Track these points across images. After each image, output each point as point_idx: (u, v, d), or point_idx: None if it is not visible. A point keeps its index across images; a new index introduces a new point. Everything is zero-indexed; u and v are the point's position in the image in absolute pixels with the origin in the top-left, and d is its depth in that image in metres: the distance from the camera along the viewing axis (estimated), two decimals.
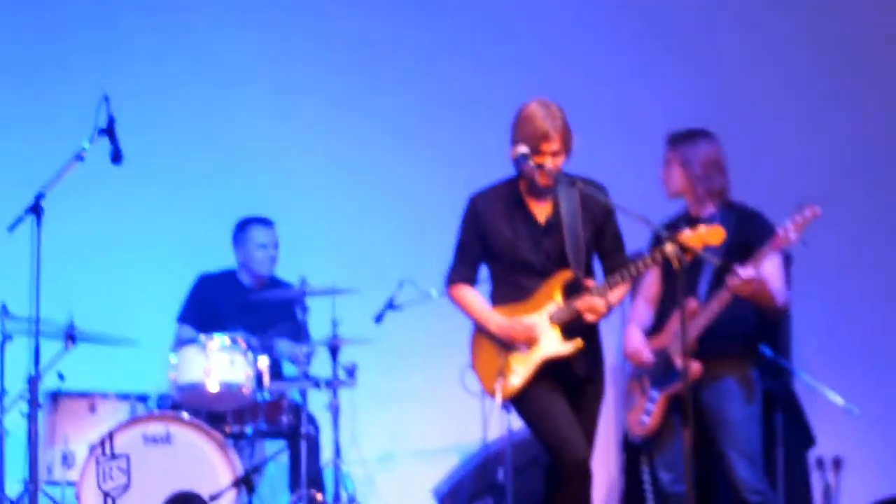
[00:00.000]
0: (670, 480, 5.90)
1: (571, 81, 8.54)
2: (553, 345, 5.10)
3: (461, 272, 5.31)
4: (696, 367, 5.53)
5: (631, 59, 8.88)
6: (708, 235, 5.18)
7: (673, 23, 8.94)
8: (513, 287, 5.27)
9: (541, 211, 5.25)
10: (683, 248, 4.95)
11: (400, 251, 7.56)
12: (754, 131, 8.29)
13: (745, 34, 8.92)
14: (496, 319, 5.18)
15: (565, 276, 5.12)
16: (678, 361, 5.66)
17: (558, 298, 5.12)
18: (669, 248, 4.96)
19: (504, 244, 5.22)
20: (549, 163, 5.05)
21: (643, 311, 6.10)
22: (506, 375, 5.13)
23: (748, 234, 5.83)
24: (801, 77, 8.87)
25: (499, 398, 5.17)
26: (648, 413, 5.91)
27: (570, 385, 5.15)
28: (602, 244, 5.28)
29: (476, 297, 5.35)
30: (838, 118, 8.67)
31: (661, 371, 5.84)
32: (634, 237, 5.79)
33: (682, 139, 6.01)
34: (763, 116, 8.64)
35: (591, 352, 5.21)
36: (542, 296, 5.20)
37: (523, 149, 5.05)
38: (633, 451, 6.61)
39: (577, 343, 5.09)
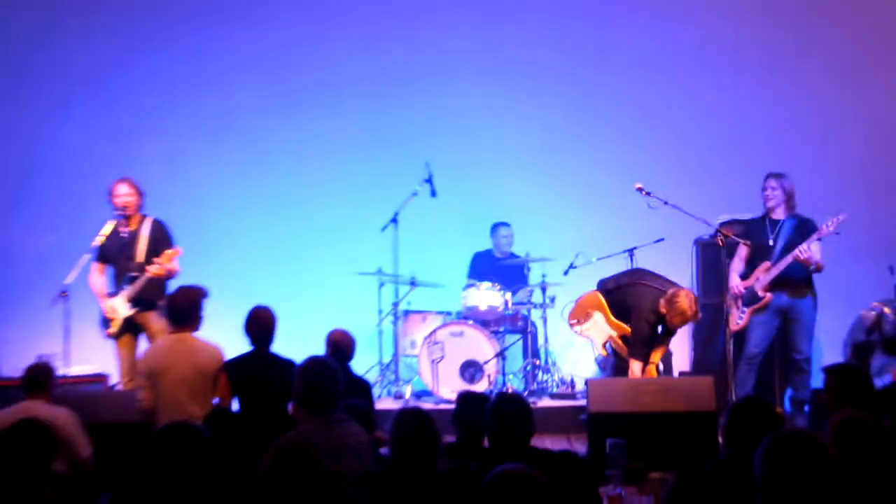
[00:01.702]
0: (754, 350, 8.66)
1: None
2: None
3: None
4: (768, 296, 8.57)
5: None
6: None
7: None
8: None
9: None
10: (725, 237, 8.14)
11: (576, 234, 10.04)
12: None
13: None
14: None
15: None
16: (760, 293, 8.63)
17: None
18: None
19: None
20: None
21: (738, 265, 8.79)
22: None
23: (805, 230, 8.55)
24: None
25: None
26: (741, 318, 8.65)
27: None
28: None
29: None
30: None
31: (748, 298, 8.70)
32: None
33: (777, 176, 8.72)
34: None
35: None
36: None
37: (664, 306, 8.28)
38: (720, 334, 8.90)
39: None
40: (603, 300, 8.76)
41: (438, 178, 10.18)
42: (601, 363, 9.88)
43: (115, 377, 8.95)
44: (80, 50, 10.98)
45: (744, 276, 8.84)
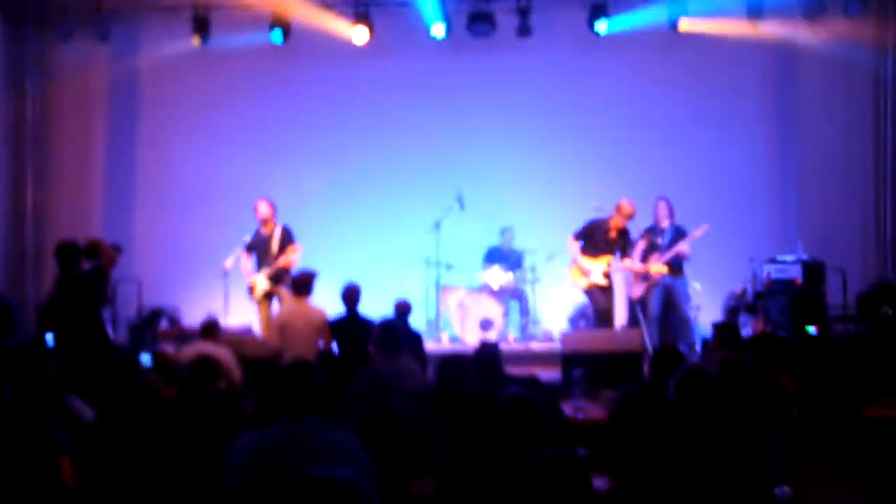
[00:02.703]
0: (654, 312, 8.74)
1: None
2: (598, 279, 8.48)
3: (577, 236, 8.54)
4: (658, 276, 8.64)
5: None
6: (660, 269, 8.52)
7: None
8: (592, 253, 8.55)
9: (612, 233, 8.48)
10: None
11: (556, 234, 9.24)
12: None
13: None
14: (582, 262, 8.48)
15: (610, 257, 8.48)
16: (653, 274, 8.65)
17: (605, 264, 8.47)
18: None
19: (596, 239, 8.51)
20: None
21: (639, 254, 8.75)
22: (580, 282, 8.60)
23: (681, 235, 8.75)
24: None
25: (578, 286, 8.61)
26: (640, 290, 8.75)
27: (601, 287, 8.52)
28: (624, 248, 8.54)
29: (576, 248, 8.55)
30: None
31: (644, 276, 8.75)
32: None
33: (666, 198, 8.84)
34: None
35: (610, 284, 8.54)
36: (601, 259, 8.52)
37: (613, 216, 8.39)
38: (632, 304, 8.98)
39: (606, 281, 8.45)
40: (574, 247, 8.67)
41: (466, 196, 10.00)
42: (573, 320, 9.90)
43: (256, 328, 8.98)
44: (235, 110, 10.82)
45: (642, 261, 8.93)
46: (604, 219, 8.62)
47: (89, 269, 6.49)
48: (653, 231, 8.94)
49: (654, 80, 10.28)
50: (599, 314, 8.61)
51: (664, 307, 8.83)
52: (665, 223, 8.91)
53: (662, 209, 8.92)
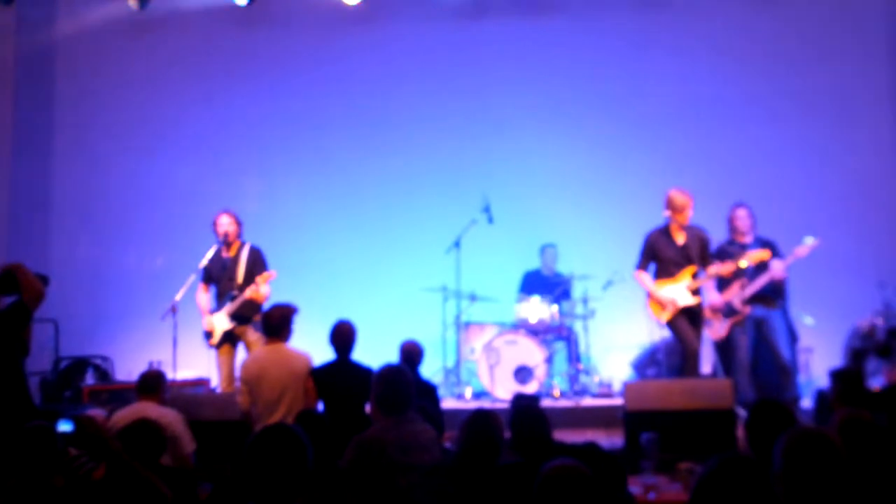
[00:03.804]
0: (744, 358, 8.63)
1: None
2: (686, 300, 8.35)
3: (642, 265, 8.51)
4: (747, 309, 8.59)
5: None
6: (761, 254, 8.35)
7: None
8: (667, 272, 8.45)
9: (678, 239, 8.39)
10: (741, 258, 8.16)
11: (614, 254, 9.74)
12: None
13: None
14: (658, 293, 8.35)
15: (692, 268, 8.35)
16: (738, 307, 8.64)
17: (689, 278, 8.34)
18: (741, 261, 8.23)
19: (663, 253, 8.42)
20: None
21: (713, 283, 8.73)
22: (663, 313, 8.44)
23: (773, 251, 8.64)
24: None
25: (661, 321, 8.51)
26: (722, 329, 8.71)
27: (690, 316, 8.38)
28: (704, 256, 8.41)
29: (648, 277, 8.52)
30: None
31: (727, 310, 8.73)
32: None
33: (745, 205, 8.80)
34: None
35: (700, 301, 8.40)
36: (680, 276, 8.38)
37: (668, 213, 8.38)
38: (715, 350, 8.97)
39: (697, 299, 8.34)
40: (646, 278, 8.64)
41: (494, 206, 10.12)
42: (639, 366, 9.96)
43: (215, 381, 8.99)
44: (186, 96, 11.04)
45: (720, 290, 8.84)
46: (661, 227, 8.62)
47: (5, 308, 6.34)
48: (729, 249, 8.79)
49: (741, 53, 10.46)
50: (687, 355, 8.47)
51: (757, 350, 8.83)
52: (747, 237, 8.89)
53: (743, 219, 8.89)
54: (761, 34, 10.46)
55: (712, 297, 8.76)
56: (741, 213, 8.90)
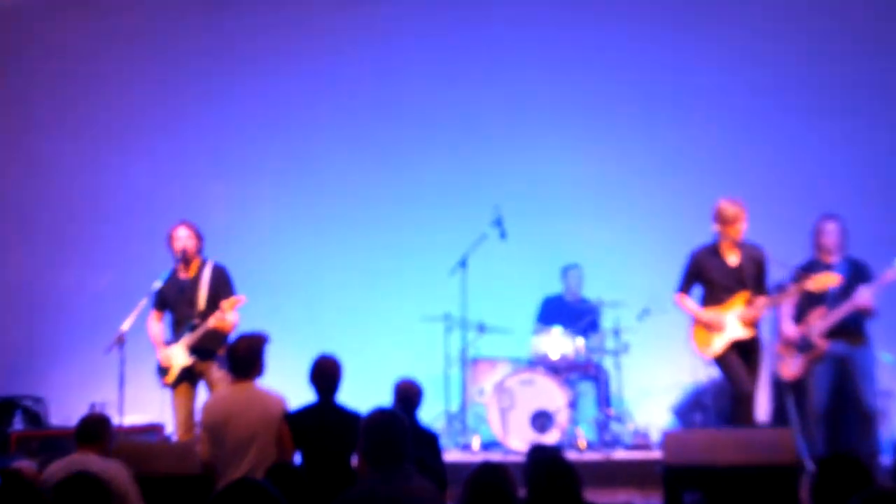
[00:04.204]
0: (818, 403, 8.55)
1: None
2: (738, 331, 8.25)
3: (683, 287, 8.45)
4: (825, 344, 8.51)
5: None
6: (828, 279, 8.20)
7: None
8: (715, 298, 8.39)
9: (730, 258, 8.33)
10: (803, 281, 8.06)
11: (651, 278, 9.92)
12: None
13: None
14: (705, 314, 8.28)
15: (745, 294, 8.27)
16: (816, 340, 8.57)
17: (742, 305, 8.22)
18: (808, 283, 8.11)
19: (712, 275, 8.36)
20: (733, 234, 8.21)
21: (788, 309, 8.69)
22: (710, 345, 8.28)
23: (860, 274, 8.62)
24: None
25: (709, 356, 8.35)
26: (795, 367, 8.63)
27: (744, 351, 8.22)
28: (759, 277, 8.37)
29: (692, 301, 8.44)
30: None
31: (803, 345, 8.63)
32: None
33: (836, 217, 8.74)
34: None
35: (756, 335, 8.29)
36: (731, 303, 8.28)
37: (717, 227, 8.31)
38: (780, 387, 9.12)
39: (751, 332, 8.19)
40: (689, 302, 8.56)
41: (508, 221, 10.23)
42: (682, 412, 10.00)
43: (170, 427, 8.93)
44: (143, 95, 11.16)
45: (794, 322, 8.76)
46: (709, 244, 8.55)
47: None
48: (811, 270, 8.67)
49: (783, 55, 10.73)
50: (739, 398, 8.36)
51: (835, 393, 8.73)
52: (834, 256, 8.79)
53: (831, 234, 8.80)
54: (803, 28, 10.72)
55: (787, 327, 8.70)
56: (830, 227, 8.79)
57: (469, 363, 10.21)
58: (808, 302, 8.63)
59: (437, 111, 11.20)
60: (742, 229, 8.38)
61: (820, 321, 8.59)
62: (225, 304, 8.49)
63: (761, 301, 8.35)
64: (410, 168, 11.20)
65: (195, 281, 8.72)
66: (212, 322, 8.50)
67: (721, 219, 8.40)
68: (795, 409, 8.89)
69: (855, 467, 4.64)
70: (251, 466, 6.49)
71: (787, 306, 8.72)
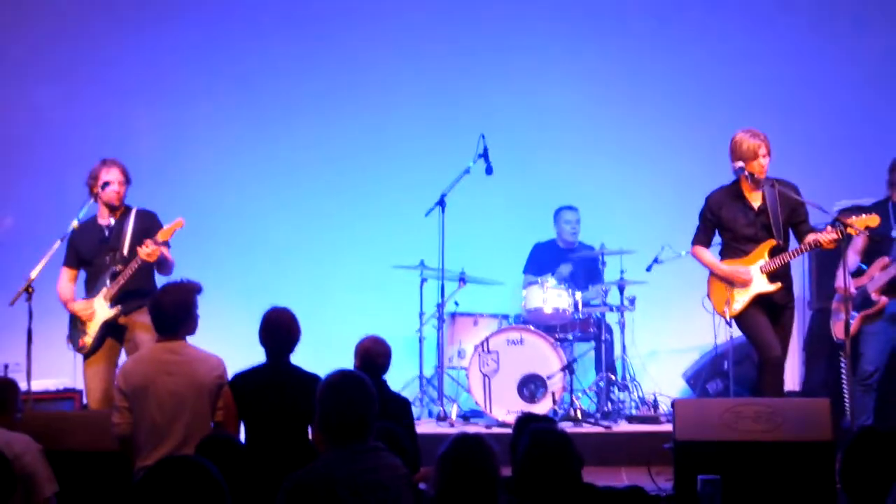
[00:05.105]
0: (868, 367, 8.60)
1: None
2: (762, 285, 8.19)
3: (701, 239, 8.42)
4: (883, 299, 8.51)
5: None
6: (868, 220, 7.93)
7: None
8: (736, 249, 8.35)
9: (754, 201, 8.25)
10: (845, 227, 7.80)
11: (662, 224, 10.10)
12: None
13: None
14: (724, 267, 8.24)
15: (771, 243, 8.19)
16: (873, 295, 8.57)
17: (766, 256, 8.19)
18: (847, 228, 7.81)
19: (731, 223, 8.30)
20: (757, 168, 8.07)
21: (852, 259, 8.54)
22: (731, 303, 8.20)
23: None
24: None
25: (727, 316, 8.25)
26: (849, 325, 8.25)
27: (772, 309, 8.18)
28: (795, 221, 8.23)
29: (710, 254, 8.42)
30: None
31: (860, 301, 8.64)
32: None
33: None
34: None
35: (786, 290, 8.20)
36: (754, 255, 8.25)
37: (739, 163, 8.14)
38: (833, 348, 9.13)
39: (777, 285, 8.10)
40: (706, 255, 8.52)
41: (495, 154, 10.15)
42: (695, 379, 10.11)
43: (87, 396, 8.79)
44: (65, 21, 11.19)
45: (857, 274, 8.72)
46: (728, 185, 8.48)
47: None
48: (879, 213, 8.42)
49: None
50: (765, 364, 8.29)
51: (891, 359, 8.74)
52: None
53: None
54: None
55: (843, 279, 8.42)
56: None
57: (447, 320, 10.20)
58: (876, 252, 8.65)
59: (412, 27, 11.26)
60: (764, 165, 8.27)
61: (880, 273, 8.58)
62: (160, 233, 8.25)
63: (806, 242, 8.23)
64: (378, 93, 11.27)
65: (119, 228, 8.59)
66: (142, 252, 8.21)
67: (738, 153, 8.29)
68: (846, 373, 8.80)
69: (891, 447, 4.59)
70: (178, 442, 6.42)
71: (852, 254, 8.62)
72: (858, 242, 8.68)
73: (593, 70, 11.10)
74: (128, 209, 8.63)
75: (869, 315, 8.63)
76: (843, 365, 8.85)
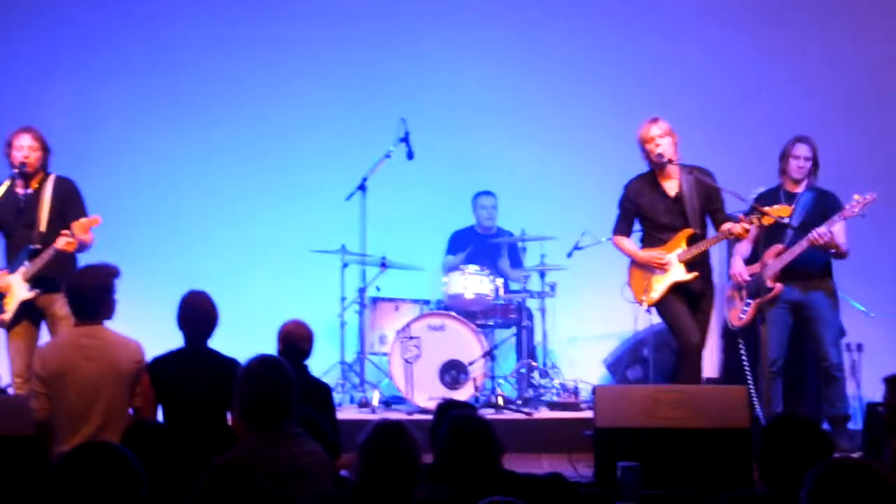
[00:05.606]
0: (772, 355, 8.53)
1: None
2: (679, 273, 8.32)
3: (621, 229, 8.56)
4: (778, 286, 8.56)
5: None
6: (780, 210, 8.10)
7: None
8: (655, 238, 8.46)
9: (670, 188, 8.36)
10: (761, 216, 7.97)
11: (583, 211, 10.03)
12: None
13: None
14: (643, 253, 8.37)
15: (688, 231, 8.32)
16: (768, 283, 8.55)
17: (683, 245, 8.32)
18: (757, 218, 7.99)
19: (649, 211, 8.44)
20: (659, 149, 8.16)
21: (745, 247, 8.75)
22: (649, 291, 8.34)
23: (826, 207, 8.60)
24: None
25: (645, 304, 8.41)
26: (744, 313, 8.68)
27: (690, 297, 8.33)
28: (711, 209, 8.36)
29: (630, 242, 8.55)
30: None
31: (754, 288, 8.66)
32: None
33: (807, 140, 8.73)
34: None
35: (704, 278, 8.33)
36: (672, 243, 8.36)
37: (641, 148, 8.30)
38: (732, 336, 9.20)
39: (694, 274, 8.23)
40: (627, 244, 8.65)
41: (416, 138, 10.17)
42: (615, 366, 10.20)
43: (6, 377, 8.80)
44: None
45: (749, 262, 8.81)
46: (646, 172, 8.57)
47: None
48: (771, 200, 8.68)
49: None
50: (684, 351, 8.46)
51: (792, 345, 8.82)
52: (800, 186, 8.85)
53: (799, 158, 8.82)
54: None
55: (737, 267, 8.74)
56: (800, 150, 8.81)
57: (368, 305, 10.22)
58: (769, 239, 8.64)
59: (332, 7, 11.27)
60: (659, 148, 8.35)
61: (774, 260, 8.61)
62: (76, 226, 8.23)
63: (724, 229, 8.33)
64: (297, 75, 11.22)
65: (36, 197, 8.49)
66: (59, 244, 8.21)
67: (645, 139, 8.43)
68: (747, 362, 8.90)
69: (809, 432, 4.66)
70: (96, 428, 6.40)
71: (744, 243, 8.74)
72: (750, 229, 8.55)
73: (515, 55, 11.11)
74: (46, 176, 8.55)
75: (765, 302, 8.62)
76: (742, 352, 8.91)
